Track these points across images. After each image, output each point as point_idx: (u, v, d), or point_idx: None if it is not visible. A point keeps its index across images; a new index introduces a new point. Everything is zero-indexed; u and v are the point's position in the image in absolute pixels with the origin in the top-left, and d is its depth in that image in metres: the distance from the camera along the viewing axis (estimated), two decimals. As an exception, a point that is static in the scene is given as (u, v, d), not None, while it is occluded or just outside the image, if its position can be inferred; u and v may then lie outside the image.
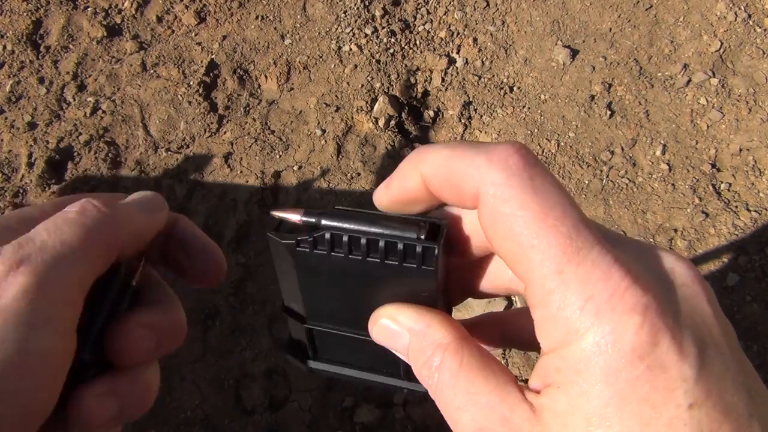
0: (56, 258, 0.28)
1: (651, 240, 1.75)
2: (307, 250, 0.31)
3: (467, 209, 0.29)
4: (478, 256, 0.32)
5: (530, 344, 0.33)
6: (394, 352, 0.31)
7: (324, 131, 2.01)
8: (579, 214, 0.25)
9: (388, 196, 0.31)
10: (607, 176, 1.88)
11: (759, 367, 1.54)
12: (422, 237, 0.29)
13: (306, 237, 0.31)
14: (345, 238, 0.30)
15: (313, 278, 0.33)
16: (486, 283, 0.33)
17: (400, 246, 0.29)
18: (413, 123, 2.04)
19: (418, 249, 0.29)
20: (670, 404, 0.23)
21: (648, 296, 0.23)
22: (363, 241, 0.30)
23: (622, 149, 1.93)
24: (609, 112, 1.99)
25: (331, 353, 0.37)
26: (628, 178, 1.87)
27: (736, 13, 2.12)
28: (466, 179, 0.27)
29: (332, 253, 0.31)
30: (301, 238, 0.31)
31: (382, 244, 0.29)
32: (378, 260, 0.30)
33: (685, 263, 0.27)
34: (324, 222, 0.31)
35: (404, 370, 0.35)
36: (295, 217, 0.32)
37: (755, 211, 1.76)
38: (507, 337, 0.35)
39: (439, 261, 0.29)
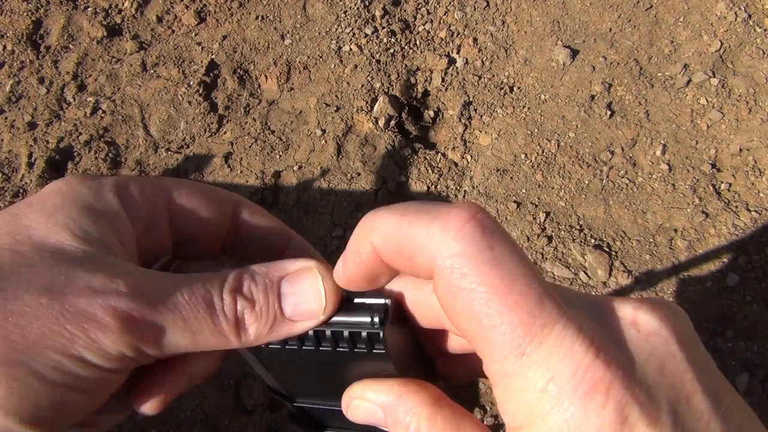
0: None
1: (651, 240, 1.75)
2: (262, 346, 0.32)
3: (423, 279, 0.28)
4: (436, 327, 0.31)
5: None
6: (376, 426, 0.31)
7: (324, 131, 2.01)
8: (542, 285, 0.24)
9: (345, 274, 0.29)
10: (607, 176, 1.88)
11: (759, 367, 1.54)
12: (375, 320, 0.29)
13: None
14: None
15: (282, 368, 0.33)
16: (458, 345, 0.32)
17: (345, 333, 0.29)
18: (413, 123, 2.04)
19: (364, 334, 0.29)
20: None
21: (611, 369, 0.23)
22: (310, 332, 0.30)
23: (622, 149, 1.93)
24: (609, 112, 2.00)
25: (329, 422, 0.38)
26: (628, 178, 1.87)
27: (736, 13, 2.12)
28: (419, 249, 0.25)
29: (286, 347, 0.31)
30: None
31: (328, 333, 0.30)
32: (329, 348, 0.30)
33: (647, 308, 0.25)
34: None
35: None
36: None
37: (755, 211, 1.76)
38: (475, 371, 0.34)
39: (386, 343, 0.29)
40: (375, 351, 0.29)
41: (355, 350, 0.30)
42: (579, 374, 0.22)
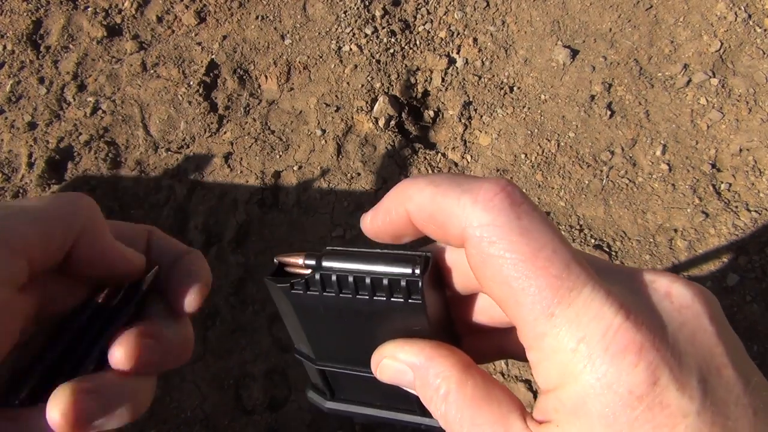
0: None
1: (651, 240, 1.75)
2: (301, 291, 0.32)
3: (455, 247, 0.29)
4: (465, 294, 0.32)
5: (525, 357, 0.33)
6: (403, 388, 0.32)
7: (324, 131, 2.01)
8: (569, 252, 0.25)
9: (373, 226, 0.31)
10: (607, 176, 1.88)
11: (759, 367, 1.54)
12: (416, 270, 0.29)
13: (299, 279, 0.32)
14: (333, 278, 0.31)
15: (313, 319, 0.33)
16: (486, 317, 0.33)
17: (385, 282, 0.30)
18: (413, 123, 2.04)
19: (403, 283, 0.29)
20: None
21: (642, 332, 0.23)
22: (350, 279, 0.30)
23: (622, 149, 1.93)
24: (609, 112, 1.99)
25: (346, 392, 0.38)
26: (628, 178, 1.87)
27: (736, 13, 2.12)
28: (451, 219, 0.26)
29: (324, 293, 0.31)
30: (294, 280, 0.32)
31: (368, 281, 0.30)
32: (367, 297, 0.30)
33: (682, 283, 0.26)
34: (324, 263, 0.32)
35: (419, 405, 0.35)
36: (298, 260, 0.33)
37: (755, 211, 1.76)
38: (504, 350, 0.35)
39: (424, 293, 0.29)
40: (411, 300, 0.29)
41: (392, 299, 0.30)
42: (609, 334, 0.23)
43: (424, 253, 0.31)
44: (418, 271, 0.29)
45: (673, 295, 0.26)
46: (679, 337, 0.24)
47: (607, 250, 1.74)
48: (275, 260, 0.34)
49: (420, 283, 0.29)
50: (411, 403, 0.35)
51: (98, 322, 0.33)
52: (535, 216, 0.26)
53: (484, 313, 0.33)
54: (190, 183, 1.93)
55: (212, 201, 1.90)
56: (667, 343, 0.23)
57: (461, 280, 0.31)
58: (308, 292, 0.32)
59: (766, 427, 0.24)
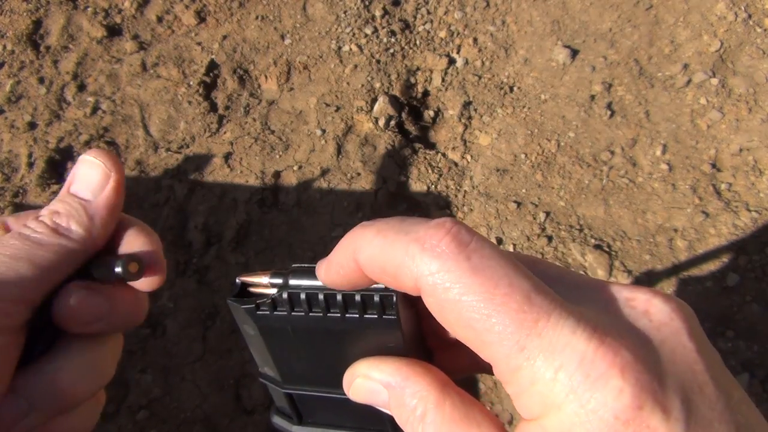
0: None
1: (651, 240, 1.75)
2: (267, 312, 0.31)
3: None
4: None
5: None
6: (377, 408, 0.31)
7: (324, 131, 2.01)
8: (528, 282, 0.24)
9: (328, 278, 0.30)
10: (607, 176, 1.88)
11: (759, 367, 1.54)
12: (381, 287, 0.29)
13: (264, 299, 0.31)
14: (303, 296, 0.30)
15: (281, 341, 0.32)
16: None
17: (357, 298, 0.29)
18: (413, 123, 2.04)
19: (376, 298, 0.29)
20: None
21: (621, 354, 0.22)
22: (321, 296, 0.30)
23: (622, 149, 1.93)
24: (609, 112, 1.99)
25: (315, 415, 0.36)
26: (628, 178, 1.87)
27: (736, 13, 2.12)
28: (402, 270, 0.26)
29: (292, 313, 0.30)
30: (259, 301, 0.31)
31: (339, 297, 0.29)
32: (338, 315, 0.30)
33: (660, 298, 0.25)
34: (291, 281, 0.31)
35: (392, 426, 0.34)
36: (262, 279, 0.32)
37: (755, 211, 1.76)
38: (479, 364, 0.34)
39: (399, 308, 0.28)
40: (386, 316, 0.29)
41: (365, 316, 0.29)
42: (587, 361, 0.22)
43: None
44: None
45: (652, 312, 0.25)
46: (660, 356, 0.23)
47: (607, 250, 1.74)
48: (237, 280, 0.33)
49: (394, 298, 0.28)
50: (384, 423, 0.34)
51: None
52: (485, 253, 0.25)
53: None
54: (190, 183, 1.93)
55: (212, 201, 1.90)
56: (649, 365, 0.23)
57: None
58: (275, 313, 0.31)
59: None
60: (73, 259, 0.34)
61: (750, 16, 2.11)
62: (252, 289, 0.33)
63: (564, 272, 0.28)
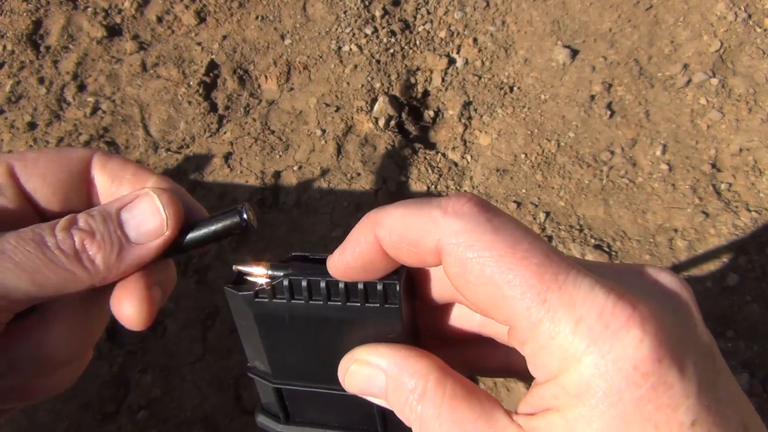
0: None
1: (651, 240, 1.75)
2: (266, 299, 0.30)
3: (429, 267, 0.29)
4: (441, 302, 0.31)
5: (491, 371, 0.33)
6: (370, 398, 0.30)
7: (324, 131, 2.01)
8: (546, 245, 0.25)
9: (342, 263, 0.29)
10: (607, 176, 1.88)
11: (759, 367, 1.54)
12: (392, 275, 0.29)
13: (264, 286, 0.30)
14: (304, 283, 0.29)
15: (276, 331, 0.32)
16: (454, 329, 0.32)
17: (360, 286, 0.29)
18: (413, 123, 2.04)
19: (379, 287, 0.28)
20: (673, 423, 0.22)
21: (639, 309, 0.23)
22: (323, 284, 0.29)
23: (622, 149, 1.93)
24: (609, 112, 2.00)
25: (303, 413, 0.35)
26: (628, 178, 1.87)
27: (736, 13, 2.12)
28: (424, 235, 0.26)
29: (292, 301, 0.30)
30: (258, 288, 0.30)
31: (342, 285, 0.29)
32: (339, 303, 0.29)
33: (668, 272, 0.26)
34: (292, 269, 0.30)
35: (382, 424, 0.33)
36: (260, 269, 0.31)
37: (755, 211, 1.76)
38: (472, 365, 0.34)
39: (401, 297, 0.28)
40: (387, 305, 0.29)
41: (367, 305, 0.29)
42: (606, 313, 0.23)
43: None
44: (395, 275, 0.29)
45: (662, 282, 0.26)
46: (676, 318, 0.24)
47: (607, 250, 1.74)
48: (234, 268, 0.32)
49: (398, 287, 0.28)
50: (373, 422, 0.33)
51: None
52: (505, 217, 0.26)
53: (454, 322, 0.32)
54: (190, 183, 1.93)
55: (212, 201, 1.90)
56: (666, 322, 0.23)
57: (438, 287, 0.31)
58: (274, 300, 0.30)
59: (749, 418, 0.24)
60: (75, 287, 0.31)
61: (750, 16, 2.11)
62: (249, 278, 0.32)
63: (574, 257, 0.28)
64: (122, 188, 0.34)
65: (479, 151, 1.98)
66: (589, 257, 1.72)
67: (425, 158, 1.96)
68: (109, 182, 0.35)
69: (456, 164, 1.96)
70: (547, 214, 1.82)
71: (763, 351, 1.57)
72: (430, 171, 1.93)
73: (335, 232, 1.81)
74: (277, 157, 1.98)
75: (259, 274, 0.31)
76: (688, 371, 0.22)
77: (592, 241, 1.76)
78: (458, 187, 1.91)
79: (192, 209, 0.34)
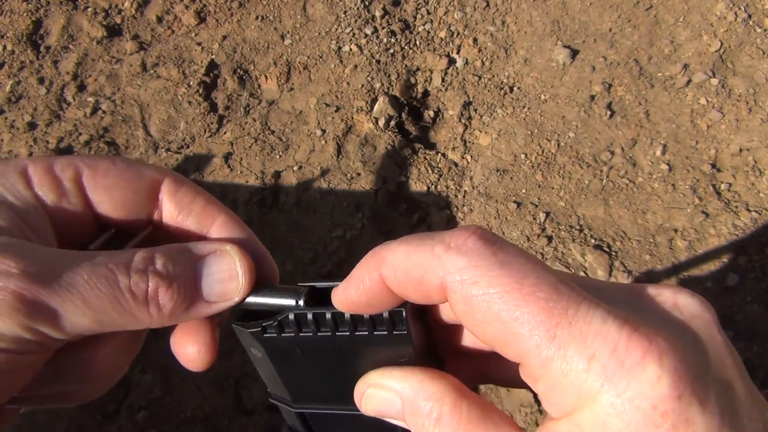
0: None
1: (651, 240, 1.75)
2: (275, 334, 0.30)
3: (436, 303, 0.28)
4: (453, 323, 0.31)
5: (509, 381, 0.32)
6: (390, 420, 0.30)
7: (324, 131, 2.01)
8: (555, 275, 0.24)
9: (347, 298, 0.29)
10: (607, 176, 1.88)
11: (759, 367, 1.54)
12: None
13: (271, 322, 0.30)
14: (309, 316, 0.29)
15: (289, 361, 0.32)
16: (471, 343, 0.32)
17: (366, 315, 0.29)
18: (413, 123, 2.04)
19: (386, 315, 0.28)
20: None
21: (657, 342, 0.22)
22: (328, 316, 0.29)
23: (622, 149, 1.93)
24: (609, 112, 2.00)
25: (330, 431, 0.36)
26: (628, 178, 1.87)
27: (736, 13, 2.12)
28: (428, 272, 0.26)
29: (300, 334, 0.30)
30: (266, 323, 0.31)
31: (347, 316, 0.29)
32: (347, 333, 0.29)
33: (686, 292, 0.25)
34: (299, 302, 0.30)
35: None
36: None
37: (755, 211, 1.76)
38: (489, 375, 0.34)
39: (408, 322, 0.28)
40: (396, 332, 0.28)
41: (375, 333, 0.29)
42: (621, 348, 0.22)
43: None
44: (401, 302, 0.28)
45: (681, 305, 0.25)
46: (696, 348, 0.23)
47: (607, 250, 1.74)
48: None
49: (404, 313, 0.28)
50: None
51: None
52: (511, 249, 0.25)
53: (469, 336, 0.32)
54: (190, 183, 1.93)
55: (212, 201, 1.89)
56: (686, 353, 0.22)
57: (447, 311, 0.30)
58: (283, 335, 0.30)
59: None
60: (134, 327, 0.30)
61: (750, 16, 2.11)
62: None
63: (583, 277, 0.27)
64: (189, 220, 0.34)
65: (479, 151, 1.98)
66: (589, 257, 1.72)
67: (425, 158, 1.96)
68: (176, 211, 0.34)
69: (456, 164, 1.96)
70: (547, 214, 1.82)
71: (763, 351, 1.57)
72: (430, 171, 1.93)
73: (335, 232, 1.81)
74: (277, 157, 1.98)
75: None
76: (709, 405, 0.22)
77: (592, 241, 1.76)
78: (458, 187, 1.91)
79: (260, 260, 0.34)
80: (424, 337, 0.31)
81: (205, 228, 0.35)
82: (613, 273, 1.70)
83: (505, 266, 0.24)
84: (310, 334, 0.30)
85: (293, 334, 0.30)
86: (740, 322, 1.60)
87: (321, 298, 0.31)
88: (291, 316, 0.30)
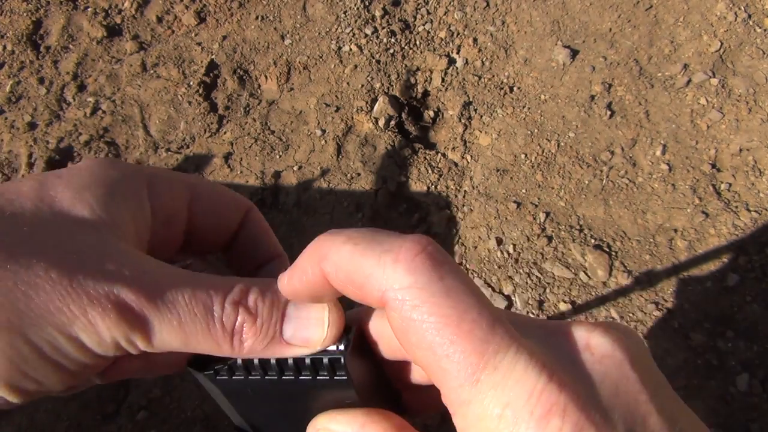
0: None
1: (651, 240, 1.75)
2: (226, 377, 0.31)
3: (375, 308, 0.28)
4: (401, 359, 0.31)
5: None
6: None
7: (324, 131, 2.01)
8: (493, 312, 0.24)
9: (290, 286, 0.29)
10: (607, 176, 1.88)
11: (759, 367, 1.54)
12: (338, 347, 0.29)
13: (221, 365, 0.31)
14: (256, 361, 0.30)
15: (245, 401, 0.33)
16: (422, 376, 0.32)
17: (307, 361, 0.29)
18: (413, 123, 2.04)
19: (325, 361, 0.29)
20: None
21: (565, 392, 0.23)
22: (272, 361, 0.30)
23: (622, 149, 1.93)
24: (609, 112, 2.00)
25: None
26: (628, 178, 1.87)
27: (736, 13, 2.12)
28: (370, 281, 0.25)
29: (249, 377, 0.31)
30: (217, 367, 0.31)
31: (290, 362, 0.30)
32: (292, 377, 0.30)
33: (600, 331, 0.26)
34: None
35: None
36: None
37: (755, 211, 1.76)
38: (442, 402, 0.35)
39: (348, 369, 0.29)
40: (337, 377, 0.29)
41: (318, 378, 0.30)
42: (534, 398, 0.22)
43: (346, 324, 0.30)
44: (341, 347, 0.29)
45: (592, 346, 0.25)
46: (602, 392, 0.24)
47: (607, 250, 1.74)
48: None
49: (342, 360, 0.29)
50: None
51: None
52: (458, 276, 0.25)
53: (419, 371, 0.32)
54: (190, 183, 1.93)
55: (212, 201, 1.90)
56: (591, 400, 0.23)
57: (388, 349, 0.31)
58: (234, 378, 0.31)
59: None
60: (211, 352, 0.30)
61: (750, 16, 2.11)
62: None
63: (510, 313, 0.28)
64: (255, 253, 0.37)
65: (479, 151, 1.98)
66: (589, 257, 1.72)
67: (425, 158, 1.96)
68: (248, 244, 0.37)
69: (456, 164, 1.96)
70: (547, 214, 1.82)
71: (763, 351, 1.57)
72: (430, 171, 1.93)
73: (335, 232, 1.81)
74: (277, 157, 1.98)
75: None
76: None
77: (592, 241, 1.76)
78: (458, 187, 1.91)
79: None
80: (370, 375, 0.32)
81: (262, 263, 0.37)
82: (613, 273, 1.70)
83: (451, 295, 0.24)
84: (258, 377, 0.31)
85: (243, 377, 0.31)
86: (740, 322, 1.60)
87: None
88: (239, 361, 0.31)
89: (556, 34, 2.18)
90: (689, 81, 2.02)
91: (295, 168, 1.95)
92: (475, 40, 2.19)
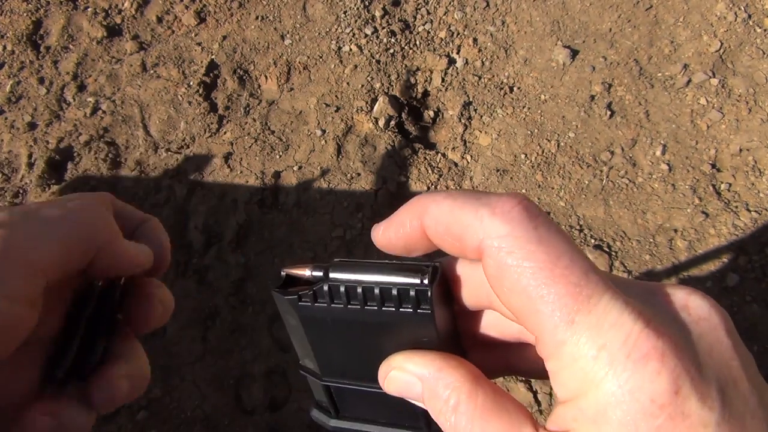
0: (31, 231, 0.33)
1: (651, 240, 1.75)
2: (309, 303, 0.32)
3: (469, 260, 0.29)
4: (476, 309, 0.32)
5: (533, 373, 0.33)
6: (411, 401, 0.31)
7: (324, 131, 2.01)
8: (587, 262, 0.25)
9: (385, 237, 0.31)
10: (607, 176, 1.88)
11: (759, 367, 1.54)
12: (424, 280, 0.29)
13: (306, 291, 0.32)
14: (342, 288, 0.31)
15: (321, 332, 0.33)
16: (493, 333, 0.33)
17: (394, 292, 0.30)
18: (413, 123, 2.04)
19: (412, 293, 0.29)
20: None
21: (663, 339, 0.23)
22: (359, 290, 0.30)
23: (622, 149, 1.93)
24: (609, 112, 2.00)
25: (352, 409, 0.37)
26: (628, 179, 1.87)
27: (736, 13, 2.12)
28: (468, 231, 0.27)
29: (332, 305, 0.31)
30: (302, 292, 0.32)
31: (377, 291, 0.30)
32: (375, 308, 0.30)
33: (699, 295, 0.26)
34: (332, 274, 0.31)
35: (426, 422, 0.35)
36: (304, 272, 0.33)
37: (755, 211, 1.76)
38: (510, 366, 0.35)
39: (433, 303, 0.29)
40: (420, 310, 0.29)
41: (401, 310, 0.30)
42: (630, 341, 0.23)
43: (432, 263, 0.31)
44: (426, 281, 0.29)
45: (691, 307, 0.26)
46: (698, 347, 0.24)
47: (607, 250, 1.74)
48: (282, 272, 0.34)
49: (429, 293, 0.29)
50: (418, 419, 0.34)
51: (102, 311, 0.38)
52: (552, 227, 0.26)
53: (492, 327, 0.33)
54: (190, 183, 1.93)
55: (212, 201, 1.90)
56: (688, 353, 0.23)
57: (470, 294, 0.31)
58: (316, 304, 0.32)
59: None
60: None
61: (750, 16, 2.11)
62: (296, 276, 0.34)
63: (608, 273, 0.28)
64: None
65: (479, 152, 1.98)
66: (589, 257, 1.72)
67: (425, 158, 1.96)
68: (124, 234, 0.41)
69: (456, 164, 1.95)
70: (547, 214, 1.82)
71: (763, 351, 1.57)
72: (430, 171, 1.93)
73: (335, 233, 1.81)
74: (277, 157, 1.98)
75: (302, 275, 0.33)
76: (708, 400, 0.22)
77: (592, 241, 1.76)
78: (458, 187, 1.90)
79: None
80: (448, 322, 0.32)
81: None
82: (613, 273, 1.70)
83: (543, 242, 0.25)
84: (341, 305, 0.31)
85: (326, 305, 0.31)
86: (740, 322, 1.60)
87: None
88: (325, 288, 0.31)
89: (556, 34, 2.18)
90: (689, 81, 2.02)
91: (295, 168, 1.95)
92: (475, 40, 2.19)
